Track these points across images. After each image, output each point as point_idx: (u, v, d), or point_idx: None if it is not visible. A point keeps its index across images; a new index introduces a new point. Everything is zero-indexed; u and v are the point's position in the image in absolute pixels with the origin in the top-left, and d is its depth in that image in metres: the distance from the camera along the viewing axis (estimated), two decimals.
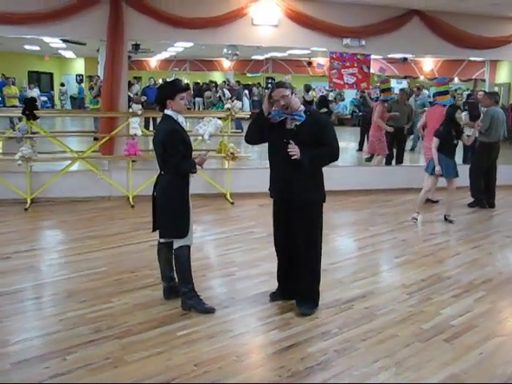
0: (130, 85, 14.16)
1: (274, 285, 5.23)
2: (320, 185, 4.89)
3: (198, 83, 23.67)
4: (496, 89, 18.73)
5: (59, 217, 8.10)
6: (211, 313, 4.83)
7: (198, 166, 4.84)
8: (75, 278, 5.61)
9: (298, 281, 4.98)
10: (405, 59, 18.45)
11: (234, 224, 7.89)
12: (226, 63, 22.90)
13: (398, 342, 4.40)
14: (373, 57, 11.78)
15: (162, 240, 5.01)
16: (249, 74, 24.90)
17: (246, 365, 4.03)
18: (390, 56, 17.26)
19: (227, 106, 9.24)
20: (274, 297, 5.16)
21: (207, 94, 18.48)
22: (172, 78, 4.98)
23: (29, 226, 7.65)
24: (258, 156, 11.34)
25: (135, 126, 8.61)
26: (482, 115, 11.53)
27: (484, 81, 19.26)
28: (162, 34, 9.22)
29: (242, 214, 8.47)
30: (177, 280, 5.04)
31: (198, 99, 22.25)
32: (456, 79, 21.36)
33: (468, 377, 3.88)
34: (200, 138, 8.79)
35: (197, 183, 8.95)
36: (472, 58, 15.06)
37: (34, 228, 7.65)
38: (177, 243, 4.85)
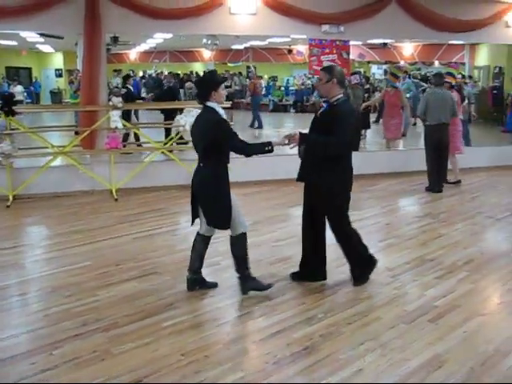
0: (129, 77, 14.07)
1: (259, 272, 5.23)
2: (337, 172, 4.96)
3: (179, 74, 23.55)
4: (476, 72, 18.93)
5: (42, 213, 8.05)
6: (270, 288, 5.02)
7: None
8: (60, 273, 5.60)
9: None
10: (385, 44, 18.51)
11: None
12: (207, 53, 22.84)
13: (383, 325, 4.46)
14: (353, 43, 11.81)
15: (201, 232, 5.05)
16: (230, 64, 24.87)
17: (232, 352, 4.05)
18: (369, 42, 17.32)
19: None
20: (295, 277, 5.34)
21: (188, 84, 18.38)
22: (209, 70, 4.98)
23: (11, 223, 7.59)
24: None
25: (116, 119, 8.58)
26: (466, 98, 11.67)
27: (464, 64, 19.44)
28: (139, 25, 9.16)
29: None
30: (198, 270, 5.14)
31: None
32: (436, 63, 21.48)
33: (450, 356, 3.95)
34: (181, 128, 8.79)
35: (179, 174, 9.07)
36: (451, 42, 15.12)
37: (17, 225, 7.60)
38: (234, 231, 4.91)
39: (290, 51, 21.58)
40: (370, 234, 7.03)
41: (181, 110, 9.57)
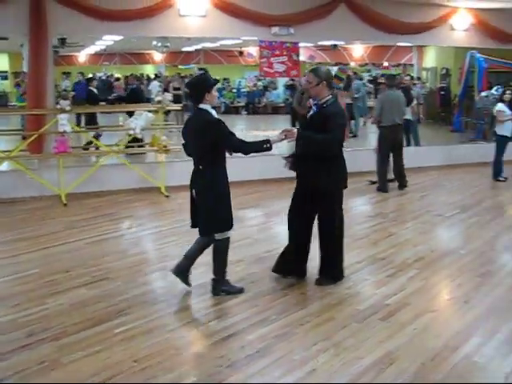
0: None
1: (210, 276, 5.19)
2: (333, 172, 5.06)
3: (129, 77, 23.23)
4: (424, 73, 19.33)
5: None
6: (242, 292, 5.04)
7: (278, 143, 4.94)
8: (6, 282, 5.42)
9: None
10: (335, 46, 18.69)
11: (170, 217, 7.80)
12: (157, 56, 22.65)
13: (336, 324, 4.48)
14: (303, 44, 11.87)
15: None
16: (181, 66, 24.71)
17: (185, 357, 4.02)
18: (320, 43, 17.47)
19: (158, 98, 9.14)
20: (277, 271, 5.45)
21: None
22: (200, 72, 5.01)
23: None
24: None
25: (64, 122, 8.37)
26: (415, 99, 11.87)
27: (412, 65, 19.85)
28: (87, 27, 9.01)
29: (177, 207, 8.37)
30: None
31: None
32: (386, 64, 21.85)
33: (401, 353, 4.00)
34: (132, 131, 8.69)
35: (131, 178, 8.95)
36: (400, 44, 15.39)
37: None
38: (221, 235, 4.92)
39: (241, 53, 21.60)
40: None
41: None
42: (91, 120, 12.00)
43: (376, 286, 5.34)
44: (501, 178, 10.32)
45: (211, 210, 4.80)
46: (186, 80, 18.09)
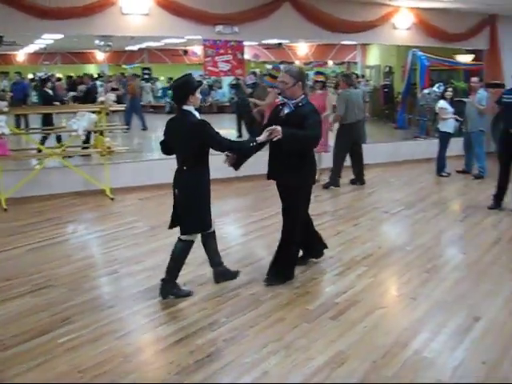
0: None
1: (158, 280, 5.07)
2: (302, 169, 5.13)
3: (71, 77, 22.72)
4: (367, 71, 19.61)
5: None
6: (190, 295, 4.99)
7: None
8: None
9: None
10: (279, 45, 18.73)
11: (115, 220, 7.62)
12: (100, 55, 22.19)
13: (286, 325, 4.45)
14: (248, 43, 11.78)
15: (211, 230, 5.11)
16: (124, 66, 24.32)
17: (134, 365, 3.90)
18: (264, 42, 17.48)
19: (101, 98, 8.92)
20: (301, 263, 5.71)
21: (81, 87, 17.75)
22: (184, 73, 5.07)
23: None
24: (137, 149, 11.07)
25: (1, 124, 8.06)
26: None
27: (356, 63, 20.12)
28: (25, 25, 8.66)
29: (122, 210, 8.22)
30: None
31: (71, 93, 21.33)
32: (330, 62, 22.05)
33: (352, 352, 4.00)
34: (74, 133, 8.45)
35: (75, 181, 8.71)
36: (344, 42, 15.55)
37: None
38: (186, 237, 4.94)
39: (185, 52, 21.40)
40: (269, 234, 7.00)
41: None
42: (47, 121, 11.64)
43: (325, 284, 5.35)
44: (444, 174, 10.59)
45: (193, 210, 4.84)
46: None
